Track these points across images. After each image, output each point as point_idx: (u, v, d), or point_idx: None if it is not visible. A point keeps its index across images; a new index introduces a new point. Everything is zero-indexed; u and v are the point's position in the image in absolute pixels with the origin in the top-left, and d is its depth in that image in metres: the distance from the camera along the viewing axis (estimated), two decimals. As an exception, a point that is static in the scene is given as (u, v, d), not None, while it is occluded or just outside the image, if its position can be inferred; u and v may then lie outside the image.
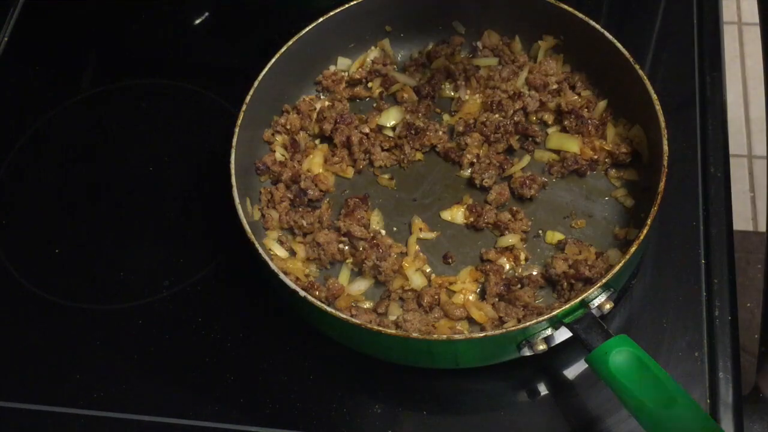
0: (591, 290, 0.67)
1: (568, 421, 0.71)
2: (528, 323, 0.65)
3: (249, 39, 0.97)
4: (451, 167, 0.83)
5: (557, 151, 0.82)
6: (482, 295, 0.74)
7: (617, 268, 0.67)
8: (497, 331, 0.66)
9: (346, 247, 0.78)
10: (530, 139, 0.83)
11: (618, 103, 0.82)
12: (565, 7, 0.82)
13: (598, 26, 0.80)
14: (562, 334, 0.68)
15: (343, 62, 0.89)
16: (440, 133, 0.84)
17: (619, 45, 0.78)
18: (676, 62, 0.92)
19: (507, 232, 0.77)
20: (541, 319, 0.65)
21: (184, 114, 0.93)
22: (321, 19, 0.83)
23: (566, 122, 0.82)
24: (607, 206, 0.79)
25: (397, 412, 0.73)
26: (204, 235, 0.83)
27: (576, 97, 0.84)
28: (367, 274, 0.76)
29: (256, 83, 0.80)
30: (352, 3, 0.85)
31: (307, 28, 0.83)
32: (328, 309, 0.67)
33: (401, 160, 0.83)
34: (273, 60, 0.81)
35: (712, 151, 0.83)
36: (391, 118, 0.85)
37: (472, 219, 0.79)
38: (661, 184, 0.71)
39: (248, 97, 0.79)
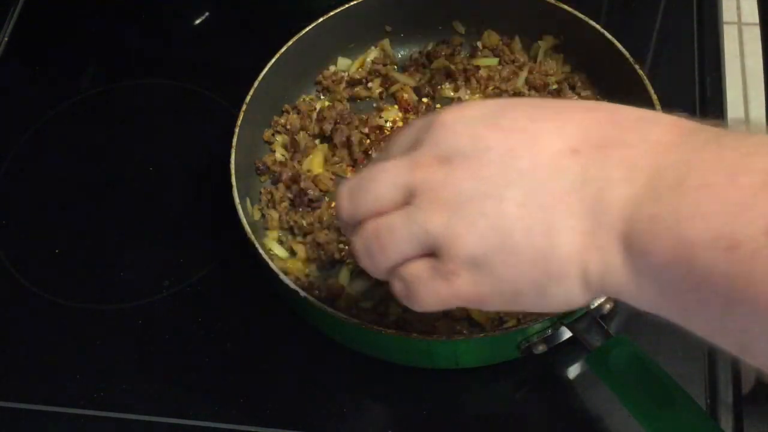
0: (591, 290, 0.66)
1: (568, 421, 0.71)
2: (528, 323, 0.66)
3: (249, 39, 0.97)
4: (451, 167, 0.83)
5: (557, 151, 0.81)
6: (482, 295, 0.74)
7: (617, 268, 0.67)
8: (497, 331, 0.66)
9: (346, 247, 0.78)
10: (530, 139, 0.83)
11: (618, 103, 0.82)
12: (565, 7, 0.82)
13: (598, 26, 0.80)
14: (562, 334, 0.68)
15: (343, 62, 0.89)
16: (440, 133, 0.83)
17: (619, 45, 0.78)
18: (676, 62, 0.92)
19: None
20: (541, 319, 0.65)
21: (184, 114, 0.93)
22: (321, 19, 0.84)
23: (566, 122, 0.82)
24: (607, 206, 0.79)
25: (397, 412, 0.73)
26: (204, 235, 0.83)
27: (576, 98, 0.84)
28: (367, 274, 0.76)
29: (256, 83, 0.80)
30: (352, 3, 0.85)
31: (307, 28, 0.83)
32: (328, 309, 0.67)
33: (401, 160, 0.83)
34: (273, 60, 0.81)
35: (712, 151, 0.83)
36: (391, 118, 0.85)
37: (472, 219, 0.79)
38: (661, 184, 0.71)
39: (248, 97, 0.79)
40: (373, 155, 0.83)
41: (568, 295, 0.44)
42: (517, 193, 0.43)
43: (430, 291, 0.46)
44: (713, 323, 0.39)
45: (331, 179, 0.82)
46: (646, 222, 0.40)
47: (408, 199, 0.46)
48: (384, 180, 0.47)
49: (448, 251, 0.44)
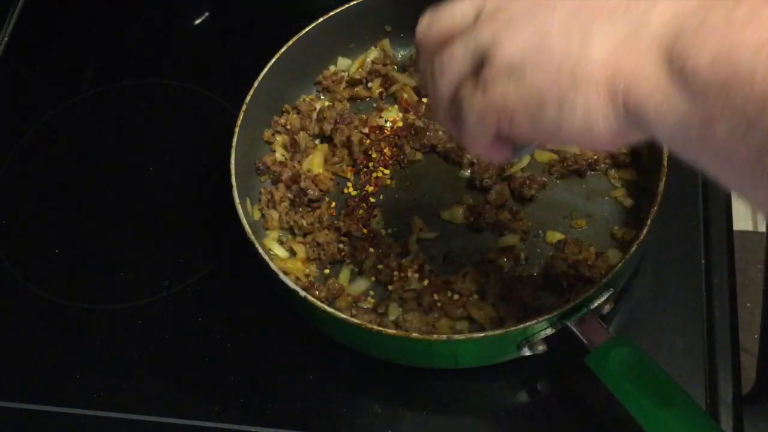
0: (591, 290, 0.67)
1: (568, 421, 0.71)
2: (528, 323, 0.65)
3: (249, 39, 0.97)
4: (451, 167, 0.83)
5: (557, 151, 0.82)
6: (482, 295, 0.74)
7: (617, 268, 0.67)
8: (497, 331, 0.66)
9: (346, 247, 0.78)
10: (530, 139, 0.83)
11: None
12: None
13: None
14: (562, 334, 0.68)
15: (343, 62, 0.89)
16: (440, 133, 0.83)
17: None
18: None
19: (507, 232, 0.77)
20: (541, 319, 0.65)
21: (184, 114, 0.93)
22: (321, 19, 0.84)
23: (566, 122, 0.82)
24: (607, 206, 0.79)
25: (397, 412, 0.73)
26: (204, 235, 0.83)
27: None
28: (367, 274, 0.76)
29: (256, 83, 0.80)
30: (352, 3, 0.85)
31: (307, 28, 0.83)
32: (328, 309, 0.67)
33: (401, 160, 0.83)
34: (273, 60, 0.81)
35: (712, 151, 0.83)
36: (391, 118, 0.85)
37: (472, 219, 0.79)
38: (661, 184, 0.71)
39: (248, 97, 0.79)
40: (374, 156, 0.83)
41: (589, 111, 0.45)
42: (569, 5, 0.45)
43: (471, 107, 0.49)
44: (736, 134, 0.40)
45: (331, 179, 0.82)
46: (694, 28, 0.41)
47: (472, 14, 0.49)
48: (461, 2, 0.51)
49: (489, 59, 0.47)
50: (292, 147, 0.84)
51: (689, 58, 0.41)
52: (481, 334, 0.66)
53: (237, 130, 0.77)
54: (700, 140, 0.42)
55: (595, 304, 0.67)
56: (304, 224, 0.79)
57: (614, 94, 0.44)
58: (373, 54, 0.90)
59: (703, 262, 0.77)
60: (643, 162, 0.79)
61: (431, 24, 0.52)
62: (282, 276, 0.68)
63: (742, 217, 1.49)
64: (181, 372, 0.76)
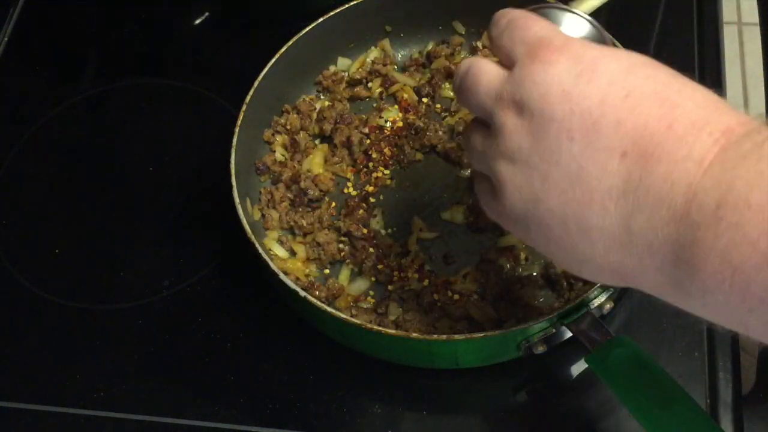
0: (591, 290, 0.67)
1: (568, 421, 0.71)
2: (528, 323, 0.66)
3: (249, 39, 0.97)
4: (451, 167, 0.83)
5: (557, 151, 0.81)
6: (482, 295, 0.74)
7: (617, 268, 0.67)
8: (497, 331, 0.66)
9: (346, 247, 0.78)
10: (530, 139, 0.83)
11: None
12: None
13: (598, 26, 0.80)
14: (562, 334, 0.68)
15: (343, 62, 0.89)
16: (440, 133, 0.84)
17: (619, 45, 0.78)
18: (676, 62, 0.91)
19: (507, 232, 0.77)
20: (541, 319, 0.65)
21: (184, 114, 0.93)
22: (321, 19, 0.84)
23: (566, 122, 0.82)
24: (607, 206, 0.79)
25: (397, 412, 0.73)
26: (204, 235, 0.83)
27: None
28: (367, 274, 0.76)
29: (256, 83, 0.80)
30: (352, 3, 0.85)
31: (307, 28, 0.83)
32: (328, 309, 0.67)
33: (401, 160, 0.83)
34: (273, 60, 0.81)
35: (712, 151, 0.83)
36: (391, 118, 0.85)
37: (472, 219, 0.79)
38: (661, 184, 0.71)
39: (248, 97, 0.79)
40: (374, 156, 0.83)
41: (598, 276, 0.49)
42: (561, 178, 0.46)
43: (489, 209, 0.54)
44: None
45: (331, 179, 0.82)
46: (689, 247, 0.40)
47: (488, 118, 0.51)
48: (477, 91, 0.52)
49: (499, 195, 0.51)
50: (292, 147, 0.84)
51: (696, 281, 0.40)
52: (481, 334, 0.66)
53: (237, 130, 0.77)
54: (734, 329, 0.42)
55: (595, 304, 0.67)
56: (304, 224, 0.79)
57: (622, 280, 0.47)
58: (373, 54, 0.90)
59: (703, 262, 0.77)
60: (643, 162, 0.79)
61: (458, 96, 0.54)
62: (282, 276, 0.68)
63: (742, 217, 1.48)
64: (181, 372, 0.76)
